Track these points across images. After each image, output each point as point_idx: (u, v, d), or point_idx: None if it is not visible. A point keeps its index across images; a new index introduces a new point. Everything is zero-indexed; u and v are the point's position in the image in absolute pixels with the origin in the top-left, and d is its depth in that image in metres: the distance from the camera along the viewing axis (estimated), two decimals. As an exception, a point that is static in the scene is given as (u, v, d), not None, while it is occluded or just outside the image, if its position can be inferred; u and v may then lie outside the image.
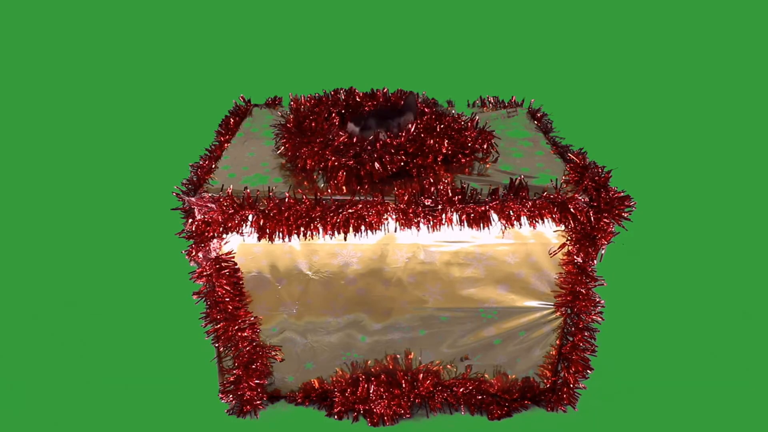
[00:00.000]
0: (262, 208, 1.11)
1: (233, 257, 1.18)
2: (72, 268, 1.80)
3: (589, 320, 1.25)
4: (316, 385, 1.35)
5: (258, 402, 1.32)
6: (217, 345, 1.26)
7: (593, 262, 1.19)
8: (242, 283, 1.21)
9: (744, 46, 2.35)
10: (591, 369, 1.30)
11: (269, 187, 1.14)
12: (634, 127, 2.35)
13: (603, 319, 1.25)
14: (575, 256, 1.19)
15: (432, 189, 1.13)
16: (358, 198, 1.13)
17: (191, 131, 1.74)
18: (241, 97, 1.64)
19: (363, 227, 1.13)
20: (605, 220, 1.13)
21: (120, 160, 2.20)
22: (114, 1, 2.32)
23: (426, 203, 1.12)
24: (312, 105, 1.47)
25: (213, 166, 1.25)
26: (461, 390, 1.33)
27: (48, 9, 2.30)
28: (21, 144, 2.24)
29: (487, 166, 1.28)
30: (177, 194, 1.13)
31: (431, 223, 1.13)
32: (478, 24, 2.35)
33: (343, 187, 1.17)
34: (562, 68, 2.36)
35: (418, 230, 1.14)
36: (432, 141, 1.22)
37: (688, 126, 2.35)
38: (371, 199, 1.12)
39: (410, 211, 1.12)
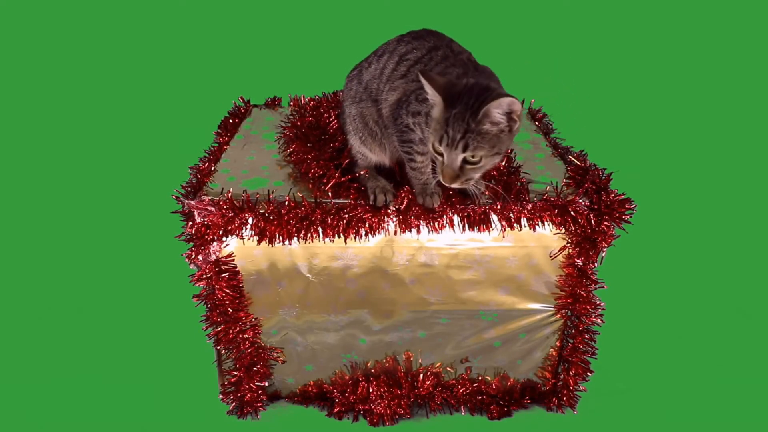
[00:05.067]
0: (261, 212, 1.11)
1: (233, 260, 1.18)
2: (72, 271, 1.80)
3: (590, 323, 1.25)
4: (316, 386, 1.35)
5: (258, 404, 1.32)
6: (218, 347, 1.26)
7: (594, 264, 1.19)
8: (242, 286, 1.21)
9: (744, 46, 2.34)
10: (591, 371, 1.30)
11: (269, 191, 1.14)
12: (636, 129, 2.34)
13: (603, 322, 1.25)
14: (576, 259, 1.19)
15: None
16: (358, 201, 1.13)
17: (190, 132, 1.73)
18: (240, 97, 1.64)
19: (363, 230, 1.13)
20: (606, 223, 1.13)
21: (119, 162, 2.19)
22: (114, 1, 2.31)
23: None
24: (312, 106, 1.47)
25: (212, 168, 1.25)
26: (461, 390, 1.33)
27: (48, 10, 2.29)
28: (20, 146, 2.23)
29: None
30: (177, 197, 1.13)
31: (431, 225, 1.13)
32: (478, 24, 2.34)
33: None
34: (563, 68, 2.35)
35: (419, 233, 1.14)
36: None
37: (690, 128, 2.34)
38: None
39: (410, 213, 1.12)
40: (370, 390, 1.31)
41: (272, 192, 1.14)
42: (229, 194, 1.11)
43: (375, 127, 1.18)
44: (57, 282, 1.76)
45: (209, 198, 1.11)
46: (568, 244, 1.18)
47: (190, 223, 1.12)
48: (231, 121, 1.52)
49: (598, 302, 1.23)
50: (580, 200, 1.13)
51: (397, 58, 1.13)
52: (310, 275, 1.21)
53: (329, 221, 1.11)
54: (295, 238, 1.13)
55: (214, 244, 1.15)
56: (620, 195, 1.13)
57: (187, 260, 1.15)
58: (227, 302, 1.20)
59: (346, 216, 1.12)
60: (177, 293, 1.39)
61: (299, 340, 1.29)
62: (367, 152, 1.22)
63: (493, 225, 1.14)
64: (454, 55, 1.10)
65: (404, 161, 1.15)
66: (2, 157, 2.19)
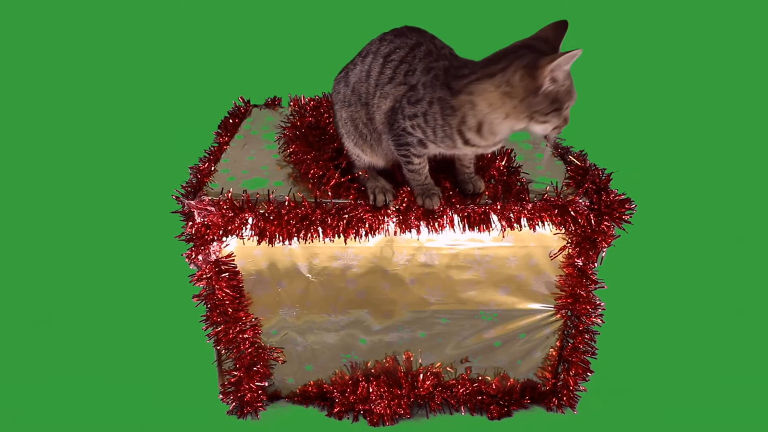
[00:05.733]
0: (261, 212, 1.11)
1: (233, 260, 1.18)
2: (72, 271, 1.80)
3: (590, 323, 1.25)
4: (316, 386, 1.35)
5: (258, 403, 1.32)
6: (218, 347, 1.26)
7: (594, 264, 1.19)
8: (242, 286, 1.21)
9: (744, 46, 2.34)
10: (591, 371, 1.30)
11: (269, 191, 1.14)
12: (636, 129, 2.34)
13: (603, 322, 1.25)
14: (576, 259, 1.19)
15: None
16: (358, 202, 1.13)
17: (190, 132, 1.73)
18: (240, 97, 1.64)
19: (363, 230, 1.13)
20: (606, 223, 1.13)
21: (119, 162, 2.19)
22: (114, 1, 2.31)
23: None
24: (312, 106, 1.47)
25: (212, 168, 1.25)
26: (461, 390, 1.33)
27: (48, 10, 2.29)
28: (20, 146, 2.23)
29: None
30: (177, 197, 1.13)
31: (431, 225, 1.13)
32: (478, 24, 2.34)
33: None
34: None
35: (419, 233, 1.14)
36: None
37: (690, 128, 2.34)
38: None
39: (410, 213, 1.12)
40: (370, 390, 1.31)
41: (272, 192, 1.14)
42: (229, 194, 1.11)
43: (364, 129, 1.18)
44: (57, 282, 1.76)
45: (209, 198, 1.11)
46: (568, 244, 1.18)
47: (190, 223, 1.12)
48: (231, 121, 1.52)
49: (598, 302, 1.23)
50: (580, 200, 1.13)
51: (382, 60, 1.12)
52: (310, 275, 1.21)
53: (329, 221, 1.12)
54: (295, 238, 1.13)
55: (214, 244, 1.15)
56: (620, 195, 1.13)
57: (187, 260, 1.15)
58: (227, 302, 1.20)
59: (346, 216, 1.12)
60: (177, 293, 1.39)
61: (299, 340, 1.29)
62: (361, 153, 1.22)
63: (493, 225, 1.14)
64: (437, 50, 1.10)
65: (401, 164, 1.15)
66: (3, 158, 2.19)
